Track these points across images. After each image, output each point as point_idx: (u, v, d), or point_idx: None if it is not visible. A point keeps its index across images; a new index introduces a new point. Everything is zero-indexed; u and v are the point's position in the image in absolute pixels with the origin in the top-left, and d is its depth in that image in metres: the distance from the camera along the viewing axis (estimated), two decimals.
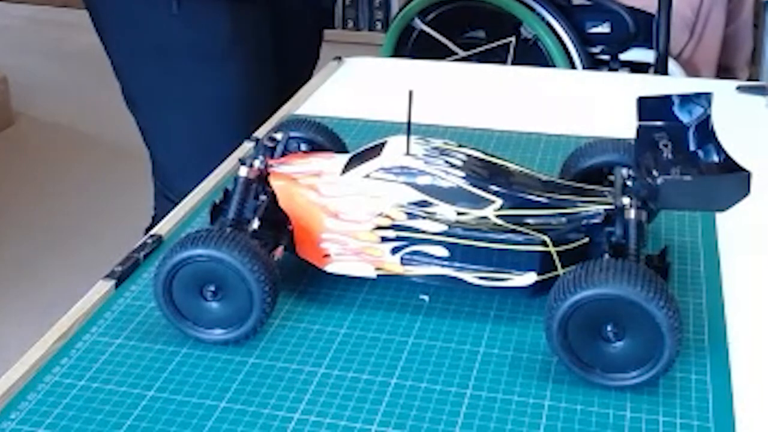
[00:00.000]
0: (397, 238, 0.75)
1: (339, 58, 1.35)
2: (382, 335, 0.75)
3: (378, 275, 0.77)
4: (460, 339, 0.74)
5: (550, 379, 0.70)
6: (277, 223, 0.78)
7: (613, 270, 0.66)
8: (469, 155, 0.79)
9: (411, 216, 0.75)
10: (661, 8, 2.15)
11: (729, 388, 0.68)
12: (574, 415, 0.66)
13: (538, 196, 0.77)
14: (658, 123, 0.79)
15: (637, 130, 0.78)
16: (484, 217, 0.75)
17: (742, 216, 0.92)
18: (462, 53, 2.66)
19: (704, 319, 0.76)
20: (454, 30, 2.67)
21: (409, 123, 0.77)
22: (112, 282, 0.81)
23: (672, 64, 2.28)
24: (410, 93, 0.76)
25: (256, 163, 0.79)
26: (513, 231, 0.74)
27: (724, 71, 2.56)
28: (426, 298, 0.79)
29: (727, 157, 0.75)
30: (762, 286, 0.82)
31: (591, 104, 1.21)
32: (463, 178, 0.76)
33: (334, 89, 1.27)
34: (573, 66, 2.54)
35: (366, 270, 0.77)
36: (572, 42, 2.52)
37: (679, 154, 0.76)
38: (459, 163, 0.77)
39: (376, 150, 0.79)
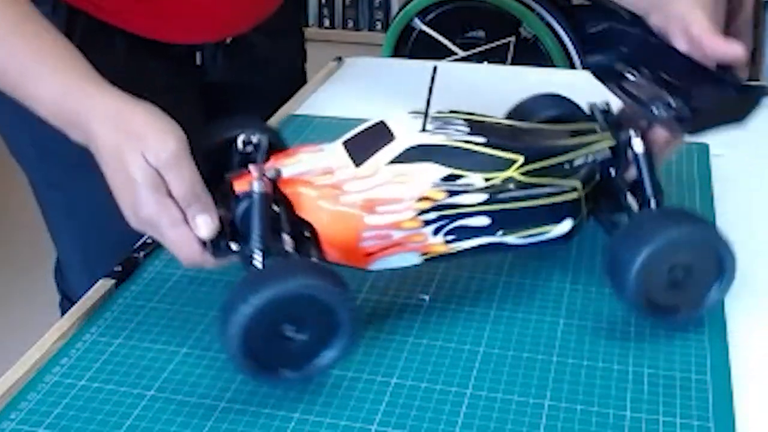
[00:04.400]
0: (439, 218, 0.73)
1: (339, 58, 1.35)
2: (382, 335, 0.75)
3: (424, 260, 0.75)
4: (460, 339, 0.74)
5: (550, 379, 0.70)
6: (293, 233, 0.73)
7: None
8: (469, 120, 0.77)
9: (451, 193, 0.73)
10: None
11: (729, 388, 0.68)
12: (574, 415, 0.66)
13: (551, 143, 0.77)
14: (610, 56, 0.81)
15: (594, 72, 0.79)
16: (510, 178, 0.75)
17: (742, 216, 0.92)
18: (462, 53, 2.66)
19: (704, 319, 0.76)
20: (453, 30, 2.67)
21: (429, 99, 0.74)
22: (112, 282, 0.81)
23: None
24: (434, 68, 0.74)
25: (269, 173, 0.72)
26: (545, 185, 0.75)
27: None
28: (426, 298, 0.79)
29: (707, 69, 0.77)
30: (762, 286, 0.82)
31: None
32: (484, 143, 0.75)
33: (334, 89, 1.27)
34: (572, 66, 2.54)
35: (412, 259, 0.74)
36: (571, 42, 2.52)
37: (658, 77, 0.78)
38: (469, 129, 0.76)
39: (379, 133, 0.75)
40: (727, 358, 0.72)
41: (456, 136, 0.74)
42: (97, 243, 1.05)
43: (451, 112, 0.78)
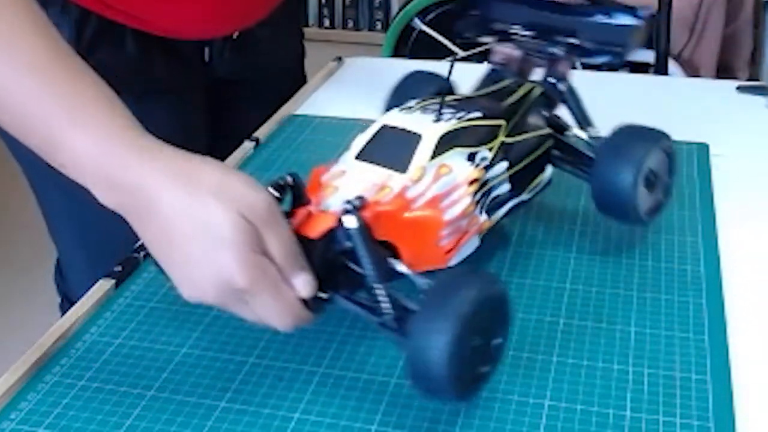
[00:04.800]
0: (482, 196, 0.76)
1: (339, 58, 1.35)
2: (383, 336, 0.75)
3: (480, 240, 0.77)
4: None
5: (550, 379, 0.70)
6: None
7: None
8: (445, 102, 0.78)
9: (485, 169, 0.76)
10: (661, 8, 2.15)
11: (729, 388, 0.68)
12: (574, 415, 0.66)
13: (509, 102, 0.82)
14: (483, 19, 0.91)
15: (474, 34, 0.92)
16: (502, 143, 0.78)
17: (742, 216, 0.92)
18: (462, 53, 2.66)
19: (704, 319, 0.76)
20: (453, 30, 2.67)
21: (445, 90, 0.78)
22: (112, 282, 0.81)
23: (672, 64, 2.29)
24: (452, 63, 0.76)
25: (355, 203, 0.67)
26: (529, 139, 0.81)
27: (724, 71, 2.56)
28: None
29: (585, 7, 0.88)
30: (762, 286, 0.82)
31: (591, 104, 1.21)
32: (481, 117, 0.77)
33: (334, 89, 1.27)
34: (573, 66, 2.54)
35: (474, 242, 0.76)
36: None
37: (541, 25, 0.88)
38: (455, 109, 0.78)
39: (394, 135, 0.74)
40: (727, 358, 0.72)
41: (460, 117, 0.76)
42: (100, 244, 1.03)
43: (425, 100, 0.79)
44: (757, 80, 2.45)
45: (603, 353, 0.72)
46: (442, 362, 0.60)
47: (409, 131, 0.74)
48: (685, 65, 2.45)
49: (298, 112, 1.18)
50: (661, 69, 2.21)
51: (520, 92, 0.84)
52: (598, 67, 2.62)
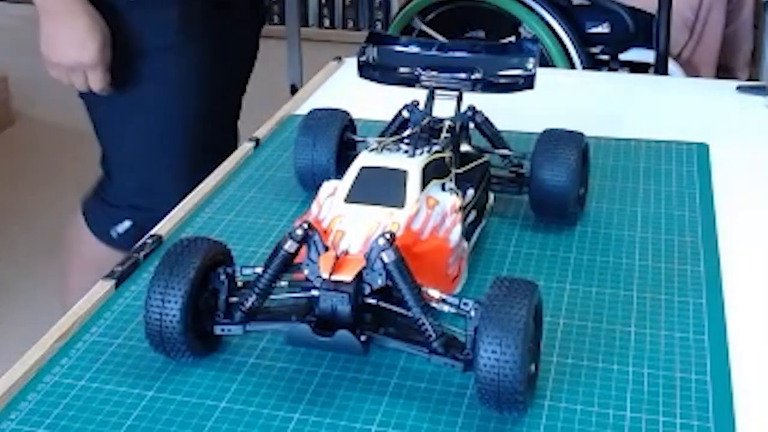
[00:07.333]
0: (462, 223, 0.78)
1: (339, 58, 1.35)
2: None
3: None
4: None
5: (550, 379, 0.70)
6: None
7: None
8: (401, 139, 0.81)
9: (460, 197, 0.78)
10: (661, 8, 2.15)
11: (729, 388, 0.69)
12: (574, 415, 0.66)
13: (444, 136, 0.85)
14: (388, 66, 0.94)
15: (383, 81, 0.95)
16: (456, 174, 0.83)
17: (742, 216, 0.92)
18: None
19: (704, 319, 0.76)
20: (453, 30, 2.67)
21: (420, 127, 0.80)
22: (112, 282, 0.81)
23: (672, 64, 2.28)
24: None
25: (389, 237, 0.67)
26: (474, 167, 0.86)
27: (724, 71, 2.56)
28: None
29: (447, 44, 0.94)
30: (762, 286, 0.82)
31: (591, 104, 1.21)
32: (440, 150, 0.80)
33: (334, 89, 1.27)
34: (572, 66, 2.54)
35: (465, 268, 0.79)
36: (571, 42, 2.52)
37: (446, 63, 0.93)
38: (414, 145, 0.79)
39: (377, 174, 0.75)
40: (727, 358, 0.72)
41: (426, 151, 0.78)
42: (159, 133, 1.35)
43: (378, 143, 0.80)
44: (757, 80, 2.45)
45: (603, 353, 0.72)
46: (516, 378, 0.62)
47: (392, 168, 0.75)
48: (685, 65, 2.44)
49: (298, 112, 1.18)
50: (661, 69, 2.21)
51: (446, 127, 0.86)
52: (598, 67, 2.62)
